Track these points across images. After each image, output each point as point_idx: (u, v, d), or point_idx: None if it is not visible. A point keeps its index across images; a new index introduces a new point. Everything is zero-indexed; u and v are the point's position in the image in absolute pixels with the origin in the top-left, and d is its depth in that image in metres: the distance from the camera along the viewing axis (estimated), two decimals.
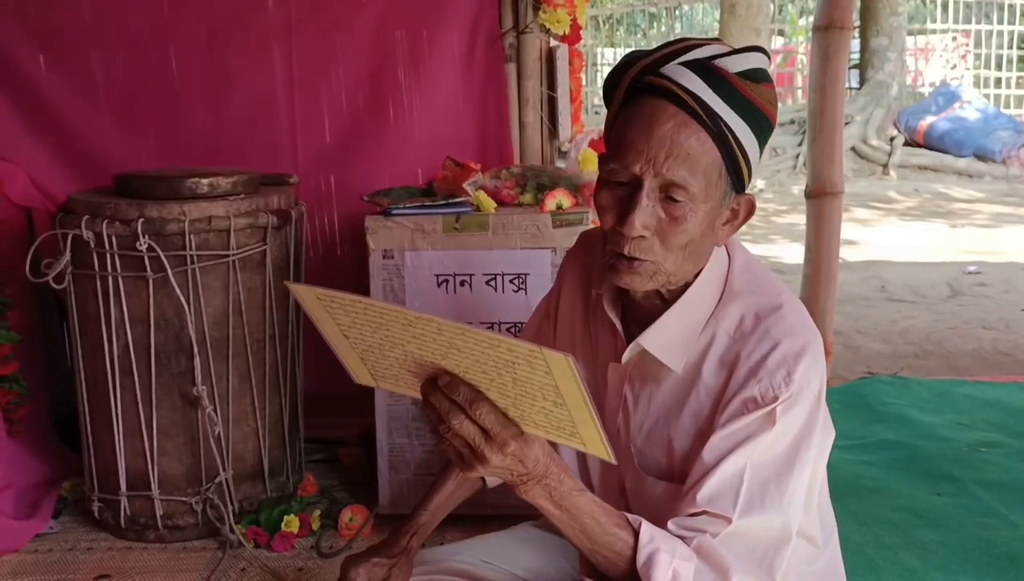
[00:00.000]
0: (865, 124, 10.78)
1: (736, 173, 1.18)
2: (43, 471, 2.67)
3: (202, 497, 2.40)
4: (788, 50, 15.26)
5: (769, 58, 1.23)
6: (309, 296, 1.01)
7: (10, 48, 2.83)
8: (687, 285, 1.25)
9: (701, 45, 1.18)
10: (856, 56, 11.50)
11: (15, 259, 2.45)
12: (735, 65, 1.16)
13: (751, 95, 1.16)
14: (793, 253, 6.00)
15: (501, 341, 0.93)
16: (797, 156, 10.31)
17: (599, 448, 1.01)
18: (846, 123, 9.62)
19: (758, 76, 1.18)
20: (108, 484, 2.43)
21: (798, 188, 8.58)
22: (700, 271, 1.25)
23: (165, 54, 2.88)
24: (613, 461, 1.04)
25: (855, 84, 11.52)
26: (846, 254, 5.60)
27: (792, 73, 14.42)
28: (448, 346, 0.97)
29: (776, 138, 10.74)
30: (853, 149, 10.49)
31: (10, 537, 2.38)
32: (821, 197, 3.19)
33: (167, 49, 2.88)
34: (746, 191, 1.23)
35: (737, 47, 1.20)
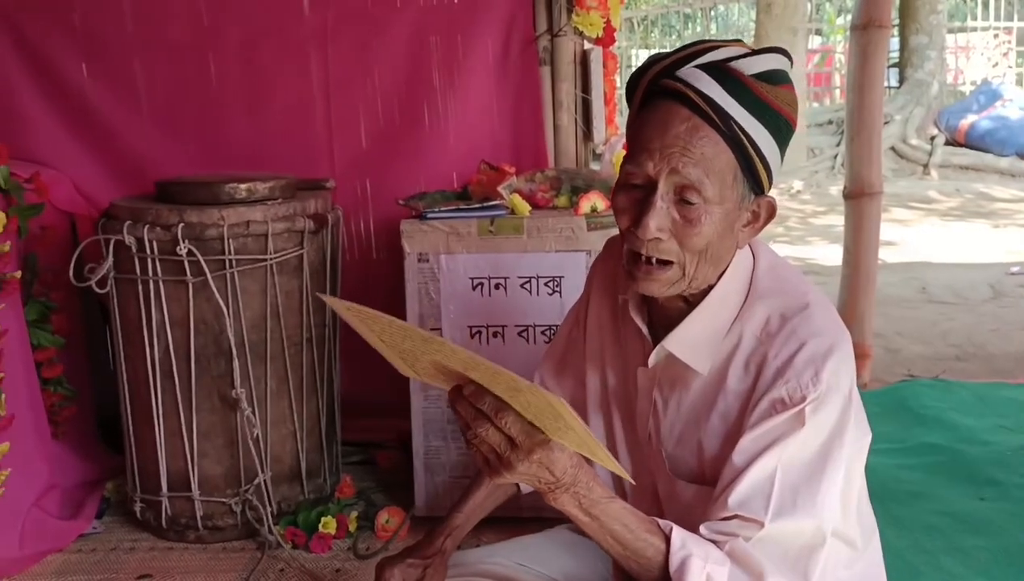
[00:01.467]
0: (905, 123, 10.62)
1: (753, 175, 1.18)
2: (87, 472, 2.72)
3: (241, 498, 2.43)
4: (826, 49, 15.10)
5: (790, 60, 1.22)
6: (341, 308, 1.06)
7: (55, 57, 2.89)
8: (710, 287, 1.25)
9: (718, 47, 1.19)
10: (895, 55, 11.36)
11: (60, 264, 2.50)
12: (751, 67, 1.17)
13: (767, 97, 1.16)
14: (831, 255, 5.93)
15: (503, 373, 0.96)
16: (835, 157, 10.19)
17: (616, 470, 1.04)
18: (885, 123, 9.51)
19: (775, 77, 1.18)
20: (150, 485, 2.47)
21: (836, 189, 8.48)
22: (723, 273, 1.25)
23: (204, 61, 2.92)
24: (630, 480, 1.07)
25: (894, 83, 11.36)
26: (886, 255, 5.53)
27: (830, 73, 14.27)
28: (464, 364, 1.00)
29: (814, 138, 10.64)
30: (893, 149, 10.35)
31: (55, 537, 2.43)
32: (859, 198, 3.17)
33: (206, 56, 2.92)
34: (767, 193, 1.23)
35: (757, 48, 1.20)
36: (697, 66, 1.16)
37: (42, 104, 2.90)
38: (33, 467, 2.45)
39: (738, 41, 1.24)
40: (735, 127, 1.15)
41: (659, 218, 1.16)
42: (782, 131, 1.19)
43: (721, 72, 1.16)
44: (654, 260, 1.19)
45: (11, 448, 2.26)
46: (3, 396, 2.23)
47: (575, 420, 0.96)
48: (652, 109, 1.19)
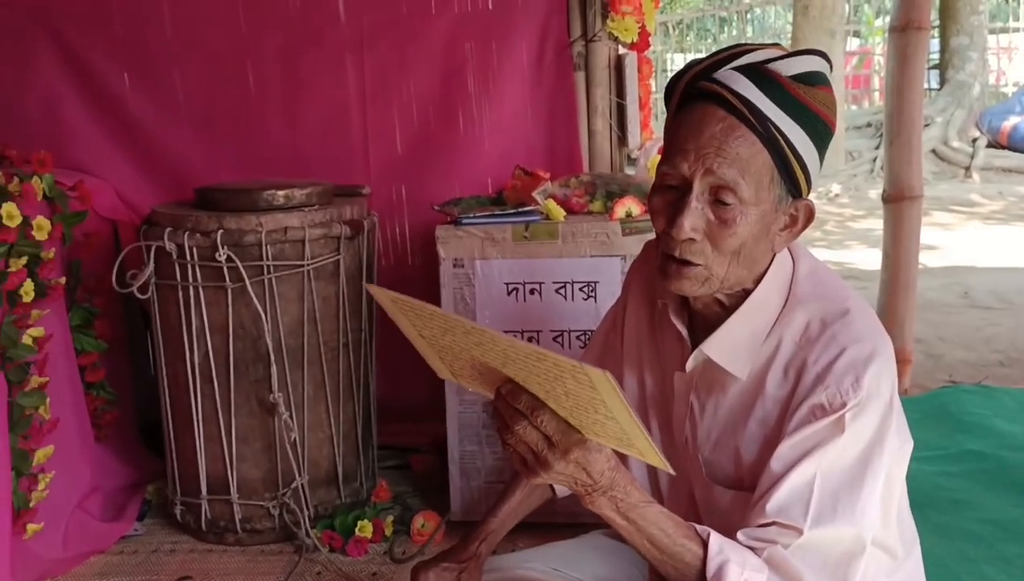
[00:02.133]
0: (946, 126, 10.47)
1: (790, 178, 1.17)
2: (128, 475, 2.77)
3: (279, 502, 2.45)
4: (864, 51, 14.93)
5: (829, 62, 1.21)
6: (385, 298, 1.06)
7: (97, 66, 2.95)
8: (748, 292, 1.24)
9: (755, 50, 1.19)
10: (936, 56, 11.21)
11: (102, 270, 2.54)
12: (788, 68, 1.16)
13: (804, 98, 1.16)
14: (870, 259, 5.86)
15: (547, 355, 0.95)
16: (874, 160, 10.07)
17: (655, 459, 1.02)
18: (926, 125, 9.37)
19: (813, 79, 1.17)
20: (189, 488, 2.51)
21: (875, 192, 8.37)
22: (762, 277, 1.24)
23: (243, 69, 2.96)
24: (671, 471, 1.04)
25: (935, 85, 11.21)
26: (926, 259, 5.44)
27: (869, 75, 14.11)
28: (504, 357, 1.00)
29: (852, 141, 10.52)
30: (934, 151, 10.20)
31: (97, 538, 2.47)
32: (899, 201, 3.13)
33: (245, 64, 2.96)
34: (805, 196, 1.22)
35: (794, 50, 1.20)
36: (734, 68, 1.16)
37: (85, 113, 2.96)
38: (76, 470, 2.50)
39: (776, 44, 1.23)
40: (771, 128, 1.14)
41: (693, 218, 1.16)
42: (820, 133, 1.18)
43: (758, 73, 1.15)
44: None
45: (55, 451, 2.31)
46: (48, 400, 2.28)
47: (618, 399, 0.93)
48: (688, 111, 1.19)
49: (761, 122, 1.14)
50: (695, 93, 1.19)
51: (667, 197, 1.20)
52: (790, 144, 1.15)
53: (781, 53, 1.18)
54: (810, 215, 1.23)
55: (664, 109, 1.28)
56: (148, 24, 2.93)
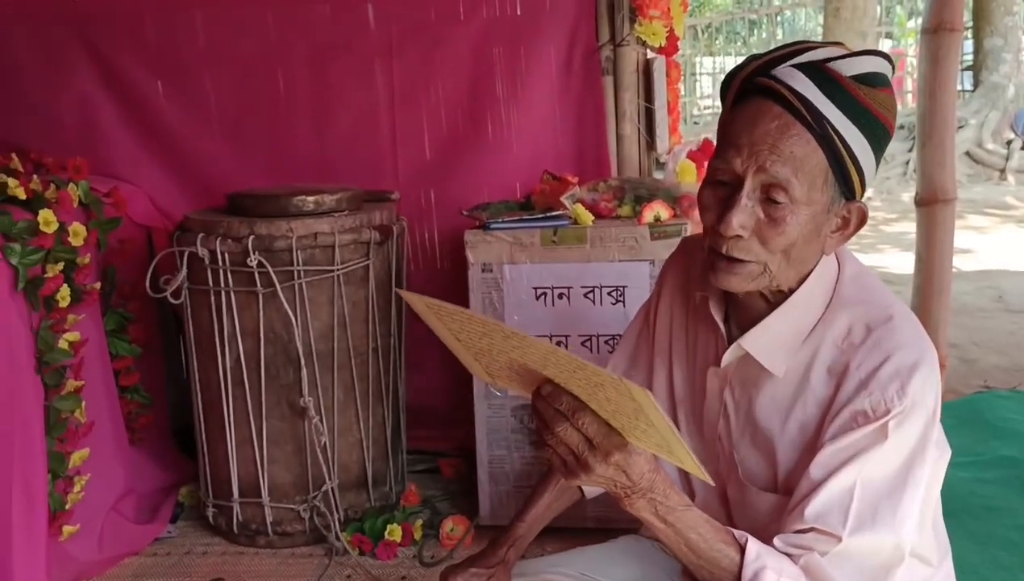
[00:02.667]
0: (980, 128, 10.34)
1: (845, 179, 1.15)
2: (162, 478, 2.80)
3: (309, 505, 2.47)
4: (897, 53, 14.77)
5: (892, 64, 1.18)
6: (419, 303, 1.05)
7: (131, 75, 3.00)
8: (791, 290, 1.23)
9: (817, 48, 1.16)
10: (969, 58, 11.07)
11: (136, 276, 2.58)
12: (850, 68, 1.13)
13: (864, 99, 1.13)
14: (903, 263, 5.79)
15: (587, 366, 0.95)
16: (907, 162, 9.96)
17: (694, 469, 1.02)
18: (959, 127, 9.26)
19: (874, 80, 1.15)
20: (222, 491, 2.53)
21: (908, 195, 8.26)
22: (807, 277, 1.22)
23: (273, 76, 2.99)
24: (711, 482, 1.04)
25: (968, 86, 11.07)
26: (960, 263, 5.37)
27: (901, 77, 13.95)
28: (544, 360, 0.99)
29: None
30: (967, 154, 10.08)
31: (132, 540, 2.50)
32: (932, 204, 3.09)
33: (275, 72, 2.99)
34: (859, 199, 1.19)
35: (856, 50, 1.17)
36: (793, 65, 1.14)
37: (119, 121, 3.01)
38: (111, 472, 2.53)
39: (838, 43, 1.21)
40: (828, 128, 1.12)
41: (743, 216, 1.14)
42: (878, 136, 1.15)
43: (818, 72, 1.13)
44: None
45: (91, 454, 2.34)
46: (83, 403, 2.31)
47: (658, 413, 0.93)
48: (744, 106, 1.17)
49: (818, 121, 1.12)
50: (752, 88, 1.16)
51: (718, 193, 1.18)
52: (847, 145, 1.13)
53: (843, 52, 1.15)
54: (862, 218, 1.21)
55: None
56: (181, 33, 2.98)
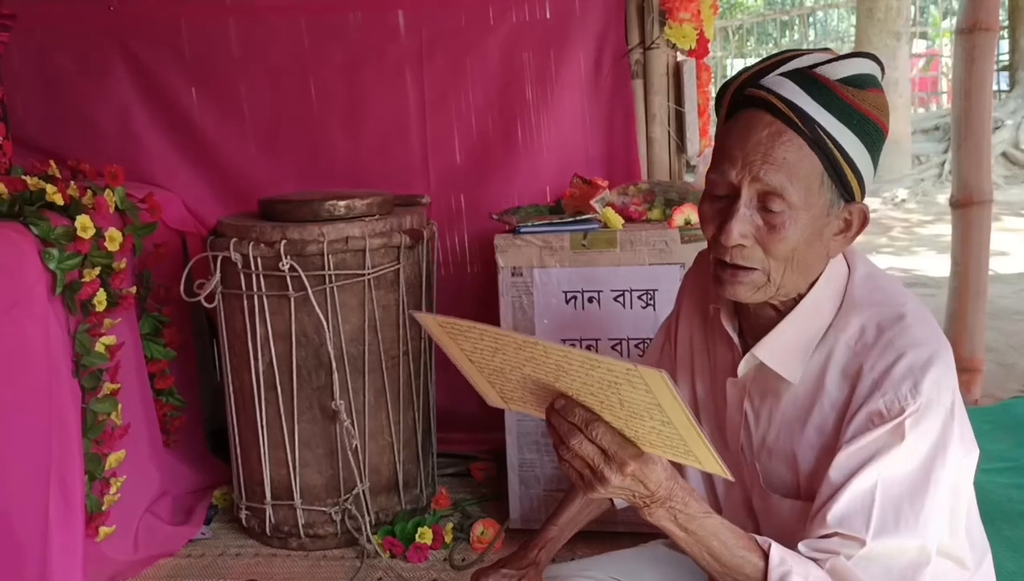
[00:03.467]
0: (1017, 128, 10.18)
1: (842, 181, 1.16)
2: (196, 480, 2.83)
3: (341, 508, 2.49)
4: (931, 53, 14.62)
5: (880, 65, 1.20)
6: (433, 324, 1.07)
7: (166, 83, 3.04)
8: (800, 296, 1.23)
9: (803, 55, 1.18)
10: (1005, 57, 10.91)
11: (171, 280, 2.61)
12: (836, 72, 1.15)
13: (853, 101, 1.14)
14: (939, 266, 5.72)
15: (600, 361, 0.94)
16: (942, 164, 9.83)
17: (713, 466, 1.01)
18: (996, 128, 9.13)
19: (862, 81, 1.16)
20: (254, 493, 2.56)
21: (943, 197, 8.16)
22: (815, 282, 1.23)
23: (305, 83, 3.02)
24: (730, 478, 1.03)
25: (1005, 87, 10.91)
26: (997, 266, 5.29)
27: (936, 77, 13.80)
28: (557, 368, 0.99)
29: (919, 145, 10.29)
30: (1004, 155, 9.93)
31: (166, 541, 2.53)
32: (968, 206, 3.06)
33: (307, 78, 3.02)
34: (859, 200, 1.20)
35: (843, 53, 1.19)
36: (781, 74, 1.16)
37: (154, 128, 3.06)
38: (147, 474, 2.57)
39: (826, 49, 1.23)
40: (819, 131, 1.13)
41: (742, 225, 1.16)
42: (871, 136, 1.16)
43: (805, 78, 1.15)
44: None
45: (127, 456, 2.38)
46: (119, 406, 2.34)
47: (674, 399, 0.93)
48: (736, 118, 1.19)
49: (808, 126, 1.13)
50: (743, 100, 1.19)
51: (716, 204, 1.20)
52: (840, 147, 1.14)
53: (828, 57, 1.17)
54: (864, 219, 1.22)
55: None
56: (215, 41, 3.02)
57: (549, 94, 2.95)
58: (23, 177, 2.28)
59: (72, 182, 2.36)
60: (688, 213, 2.39)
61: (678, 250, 2.34)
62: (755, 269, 1.18)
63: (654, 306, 2.36)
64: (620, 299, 2.39)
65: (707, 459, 1.00)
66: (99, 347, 2.28)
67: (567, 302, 2.41)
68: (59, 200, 2.24)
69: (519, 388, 1.08)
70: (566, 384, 1.01)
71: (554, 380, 1.02)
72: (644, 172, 2.92)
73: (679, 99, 2.91)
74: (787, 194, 1.14)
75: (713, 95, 3.19)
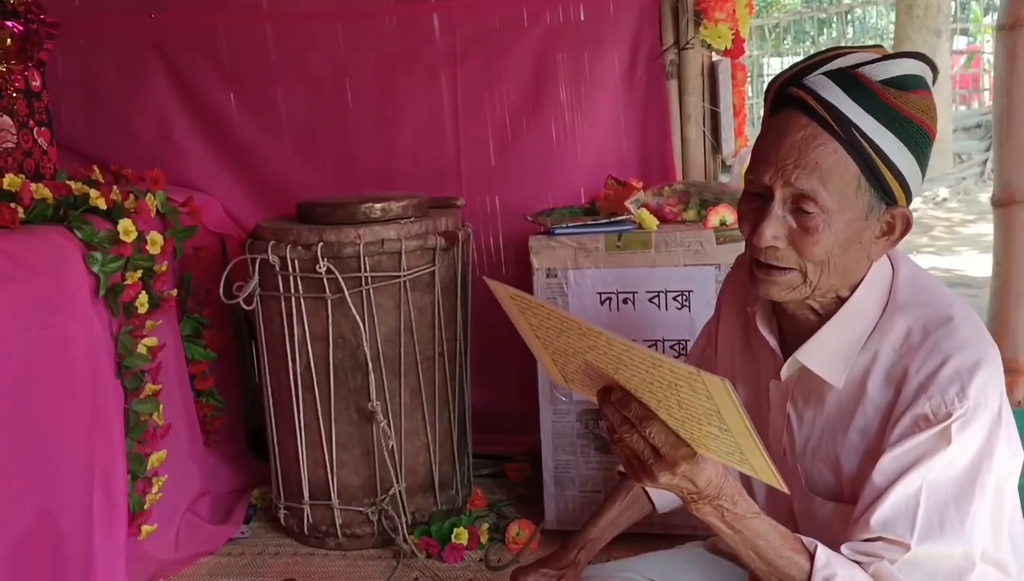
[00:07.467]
0: None
1: (881, 185, 1.14)
2: (235, 479, 2.87)
3: (377, 508, 2.51)
4: (973, 50, 14.38)
5: (931, 65, 1.17)
6: (504, 294, 1.07)
7: (205, 89, 3.09)
8: (843, 299, 1.22)
9: (849, 53, 1.16)
10: None
11: (210, 283, 2.64)
12: (880, 72, 1.13)
13: (894, 103, 1.12)
14: (981, 266, 5.62)
15: (663, 362, 0.94)
16: (984, 162, 9.68)
17: (768, 476, 1.00)
18: None
19: (906, 83, 1.14)
20: (292, 493, 2.58)
21: (985, 196, 8.02)
22: (858, 285, 1.21)
23: (341, 88, 3.05)
24: (785, 490, 1.02)
25: None
26: None
27: (978, 74, 13.58)
28: (618, 361, 0.99)
29: (960, 143, 10.13)
30: None
31: (207, 540, 2.57)
32: (1010, 205, 3.00)
33: (343, 83, 3.05)
34: (902, 204, 1.17)
35: (891, 53, 1.16)
36: (823, 73, 1.14)
37: (194, 133, 3.10)
38: (187, 474, 2.61)
39: (877, 46, 1.20)
40: (856, 134, 1.11)
41: (774, 226, 1.15)
42: (915, 139, 1.14)
43: (847, 78, 1.13)
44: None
45: (168, 456, 2.41)
46: (161, 407, 2.38)
47: (735, 408, 0.92)
48: (775, 118, 1.18)
49: (844, 128, 1.11)
50: (784, 98, 1.17)
51: (753, 204, 1.19)
52: (879, 150, 1.12)
53: (875, 56, 1.15)
54: (907, 223, 1.19)
55: (759, 116, 1.27)
56: (253, 47, 3.06)
57: (583, 95, 2.94)
58: (67, 182, 2.32)
59: (115, 187, 2.41)
60: (724, 214, 2.38)
61: (713, 251, 2.33)
62: (791, 269, 1.18)
63: (689, 307, 2.35)
64: (655, 300, 2.38)
65: (763, 469, 0.99)
66: (141, 349, 2.32)
67: (602, 303, 2.41)
68: (102, 204, 2.28)
69: (580, 372, 1.09)
70: (625, 378, 1.01)
71: (614, 372, 1.02)
72: (679, 173, 2.90)
73: (714, 99, 2.89)
74: (819, 198, 1.13)
75: (749, 95, 3.17)
